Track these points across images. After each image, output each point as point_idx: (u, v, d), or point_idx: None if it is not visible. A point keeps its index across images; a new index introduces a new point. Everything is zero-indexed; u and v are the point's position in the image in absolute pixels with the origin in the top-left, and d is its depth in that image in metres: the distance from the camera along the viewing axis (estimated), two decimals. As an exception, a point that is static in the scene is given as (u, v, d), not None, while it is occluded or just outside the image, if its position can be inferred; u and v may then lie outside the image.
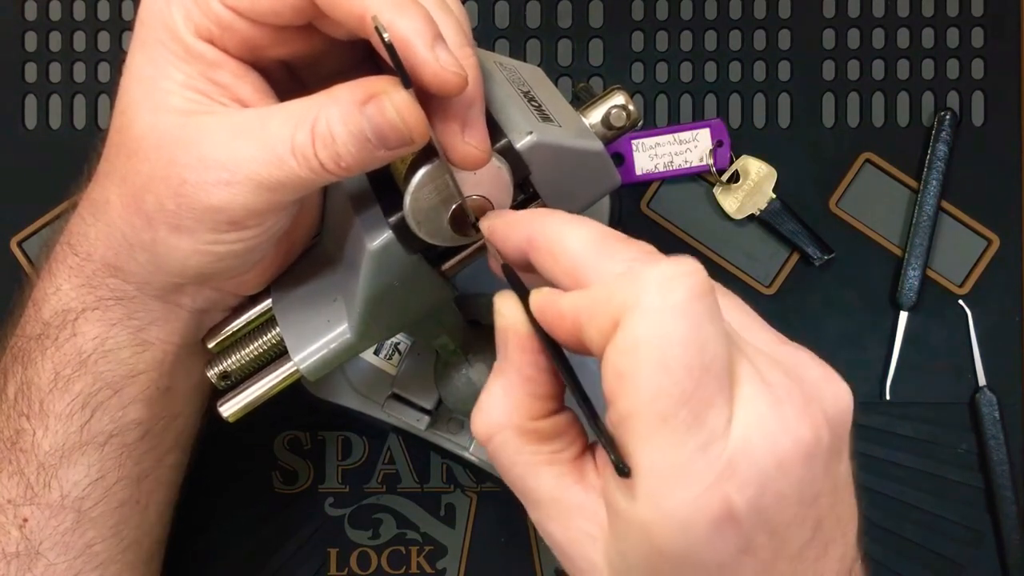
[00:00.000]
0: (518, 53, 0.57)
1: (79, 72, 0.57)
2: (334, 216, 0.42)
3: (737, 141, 0.56)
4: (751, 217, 0.56)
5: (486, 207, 0.37)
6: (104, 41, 0.57)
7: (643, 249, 0.31)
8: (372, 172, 0.38)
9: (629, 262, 0.30)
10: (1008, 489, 0.55)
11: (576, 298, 0.31)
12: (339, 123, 0.34)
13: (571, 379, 0.32)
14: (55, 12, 0.57)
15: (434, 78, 0.33)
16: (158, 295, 0.41)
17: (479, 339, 0.45)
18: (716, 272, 0.56)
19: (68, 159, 0.54)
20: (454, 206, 0.36)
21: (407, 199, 0.36)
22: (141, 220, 0.38)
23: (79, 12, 0.57)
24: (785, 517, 0.29)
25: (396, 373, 0.49)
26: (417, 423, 0.48)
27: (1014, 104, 0.57)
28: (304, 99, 0.35)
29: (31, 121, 0.57)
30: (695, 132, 0.56)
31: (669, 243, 0.56)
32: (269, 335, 0.42)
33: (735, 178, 0.56)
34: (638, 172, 0.56)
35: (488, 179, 0.36)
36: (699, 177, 0.57)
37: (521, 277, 0.35)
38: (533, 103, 0.38)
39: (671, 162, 0.56)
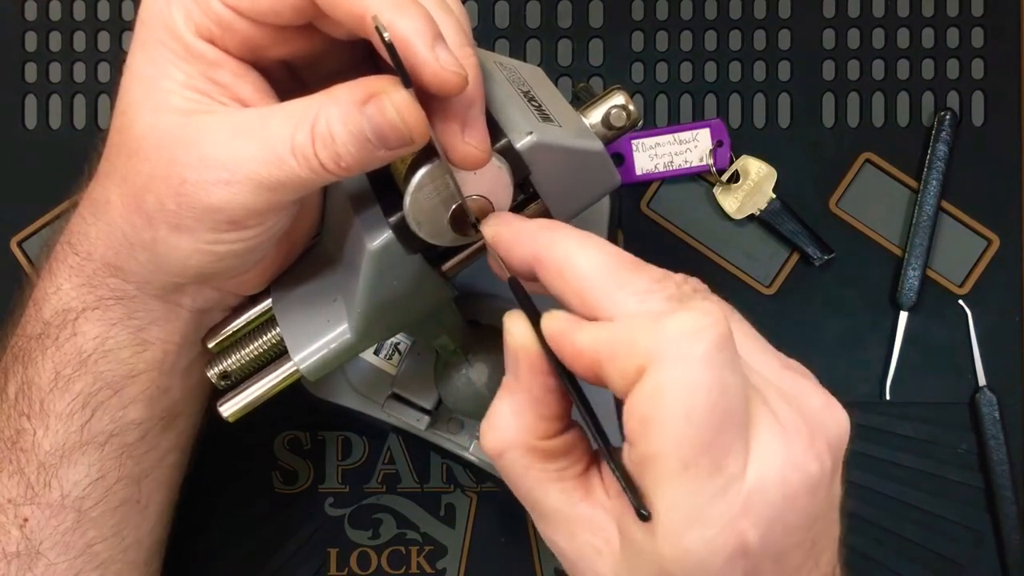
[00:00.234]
0: (518, 53, 0.57)
1: (79, 72, 0.57)
2: (334, 216, 0.42)
3: (737, 141, 0.56)
4: (751, 217, 0.56)
5: (486, 207, 0.37)
6: (104, 41, 0.57)
7: (653, 277, 0.32)
8: (372, 172, 0.38)
9: (642, 294, 0.31)
10: (1008, 489, 0.55)
11: (595, 336, 0.31)
12: (339, 123, 0.34)
13: (588, 412, 0.33)
14: (55, 12, 0.57)
15: (434, 78, 0.33)
16: (158, 295, 0.41)
17: (479, 339, 0.45)
18: (716, 272, 0.56)
19: (68, 159, 0.55)
20: (454, 206, 0.36)
21: (407, 199, 0.36)
22: (141, 219, 0.38)
23: (79, 12, 0.57)
24: (789, 543, 0.31)
25: (396, 373, 0.49)
26: (417, 423, 0.48)
27: (1014, 104, 0.57)
28: (304, 99, 0.35)
29: (31, 121, 0.57)
30: (695, 132, 0.56)
31: (669, 243, 0.56)
32: (269, 335, 0.42)
33: (735, 178, 0.56)
34: (638, 172, 0.56)
35: (488, 179, 0.36)
36: (699, 177, 0.57)
37: (525, 285, 0.35)
38: (533, 103, 0.38)
39: (671, 162, 0.56)
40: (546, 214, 0.38)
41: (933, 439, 0.56)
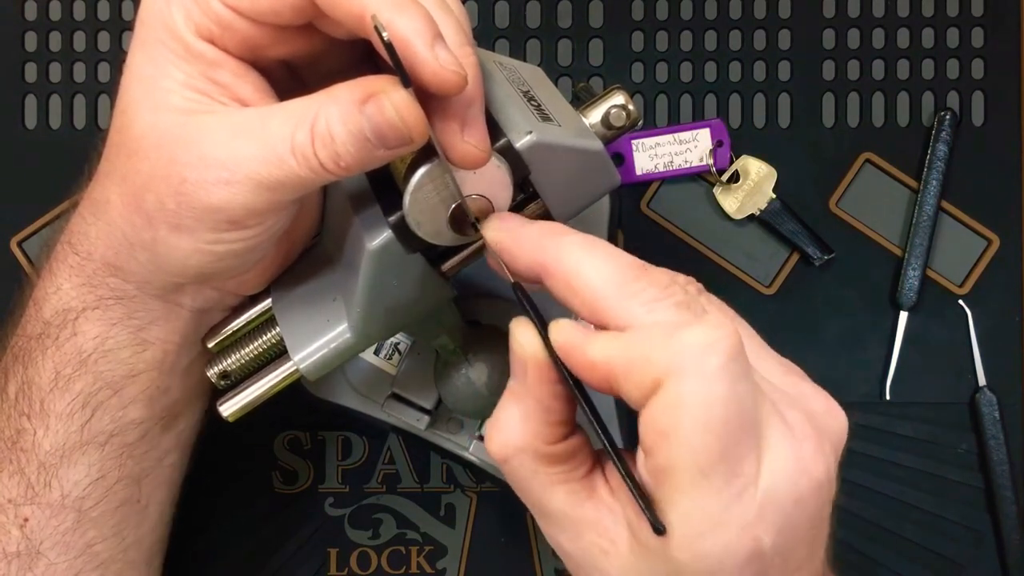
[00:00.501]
0: (518, 53, 0.57)
1: (79, 72, 0.57)
2: (334, 216, 0.42)
3: (737, 141, 0.56)
4: (751, 217, 0.56)
5: (486, 207, 0.37)
6: (104, 41, 0.57)
7: (661, 284, 0.32)
8: (372, 171, 0.38)
9: (651, 303, 0.32)
10: (1008, 489, 0.55)
11: (608, 350, 0.32)
12: (338, 122, 0.34)
13: (599, 423, 0.33)
14: (55, 12, 0.57)
15: (433, 77, 0.33)
16: (158, 294, 0.41)
17: (479, 339, 0.45)
18: (716, 272, 0.56)
19: (68, 159, 0.55)
20: (454, 206, 0.36)
21: (406, 198, 0.36)
22: (141, 219, 0.38)
23: (79, 12, 0.57)
24: (796, 542, 0.32)
25: (396, 373, 0.49)
26: (417, 423, 0.48)
27: (1014, 104, 0.57)
28: (304, 98, 0.35)
29: (31, 121, 0.57)
30: (695, 132, 0.56)
31: (669, 243, 0.56)
32: (269, 335, 0.42)
33: (735, 178, 0.56)
34: (638, 172, 0.56)
35: (488, 178, 0.36)
36: (699, 177, 0.57)
37: (526, 285, 0.35)
38: (533, 103, 0.38)
39: (671, 162, 0.56)
40: (546, 214, 0.38)
41: (933, 439, 0.56)
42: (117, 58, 0.57)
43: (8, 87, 0.57)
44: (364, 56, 0.39)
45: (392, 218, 0.37)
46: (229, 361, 0.43)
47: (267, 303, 0.43)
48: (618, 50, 0.57)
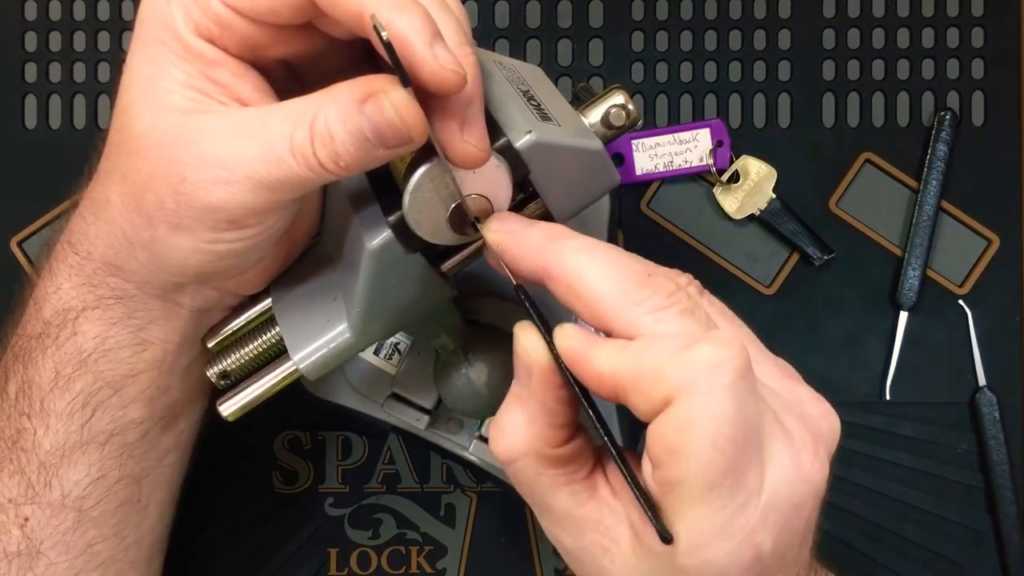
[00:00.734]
0: (518, 53, 0.57)
1: (79, 72, 0.57)
2: (334, 215, 0.42)
3: (737, 141, 0.56)
4: (751, 217, 0.56)
5: (486, 206, 0.37)
6: (104, 41, 0.57)
7: (666, 291, 0.33)
8: (371, 171, 0.38)
9: (657, 312, 0.32)
10: (1008, 489, 0.55)
11: (615, 361, 0.32)
12: (338, 122, 0.34)
13: (605, 430, 0.33)
14: (55, 12, 0.57)
15: (432, 76, 0.33)
16: (158, 294, 0.41)
17: (479, 339, 0.45)
18: (716, 272, 0.56)
19: (68, 159, 0.55)
20: (453, 205, 0.36)
21: (406, 198, 0.36)
22: (141, 219, 0.38)
23: (79, 12, 0.57)
24: (793, 543, 0.33)
25: (396, 373, 0.49)
26: (417, 423, 0.48)
27: (1014, 104, 0.57)
28: (303, 98, 0.35)
29: (31, 121, 0.57)
30: (695, 132, 0.56)
31: (669, 243, 0.56)
32: (269, 334, 0.42)
33: (735, 178, 0.56)
34: (638, 172, 0.56)
35: (487, 178, 0.36)
36: (699, 177, 0.57)
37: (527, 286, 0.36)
38: (532, 102, 0.38)
39: (671, 162, 0.56)
40: (546, 214, 0.38)
41: (933, 439, 0.56)
42: (117, 58, 0.57)
43: (8, 87, 0.57)
44: (364, 56, 0.39)
45: (392, 218, 0.37)
46: (229, 361, 0.43)
47: (267, 303, 0.43)
48: (618, 50, 0.57)
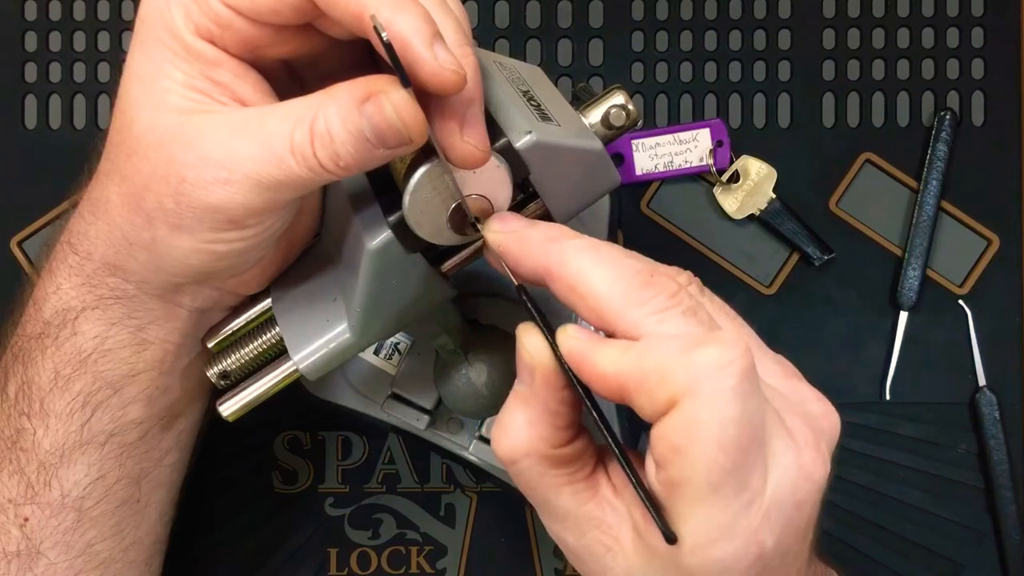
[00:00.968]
0: (518, 53, 0.57)
1: (79, 72, 0.57)
2: (334, 215, 0.42)
3: (737, 141, 0.56)
4: (751, 217, 0.56)
5: (486, 207, 0.37)
6: (104, 41, 0.57)
7: (669, 292, 0.33)
8: (371, 171, 0.38)
9: (660, 313, 0.32)
10: (1008, 489, 0.55)
11: (619, 362, 0.32)
12: (338, 122, 0.34)
13: (609, 432, 0.33)
14: (55, 12, 0.57)
15: (432, 77, 0.33)
16: (158, 294, 0.41)
17: (479, 339, 0.45)
18: (716, 272, 0.56)
19: (68, 159, 0.55)
20: (453, 205, 0.36)
21: (406, 198, 0.36)
22: (141, 219, 0.38)
23: (79, 12, 0.57)
24: (794, 540, 0.33)
25: (396, 373, 0.49)
26: (417, 423, 0.48)
27: (1014, 104, 0.57)
28: (303, 98, 0.35)
29: (31, 121, 0.57)
30: (695, 132, 0.56)
31: (669, 243, 0.56)
32: (269, 335, 0.42)
33: (735, 178, 0.56)
34: (638, 172, 0.56)
35: (487, 178, 0.36)
36: (699, 177, 0.57)
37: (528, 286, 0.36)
38: (532, 103, 0.38)
39: (671, 162, 0.56)
40: (546, 214, 0.38)
41: (933, 439, 0.56)
42: (117, 58, 0.57)
43: (8, 87, 0.57)
44: (364, 56, 0.39)
45: (392, 218, 0.37)
46: (229, 361, 0.43)
47: (267, 303, 0.43)
48: (618, 50, 0.57)
